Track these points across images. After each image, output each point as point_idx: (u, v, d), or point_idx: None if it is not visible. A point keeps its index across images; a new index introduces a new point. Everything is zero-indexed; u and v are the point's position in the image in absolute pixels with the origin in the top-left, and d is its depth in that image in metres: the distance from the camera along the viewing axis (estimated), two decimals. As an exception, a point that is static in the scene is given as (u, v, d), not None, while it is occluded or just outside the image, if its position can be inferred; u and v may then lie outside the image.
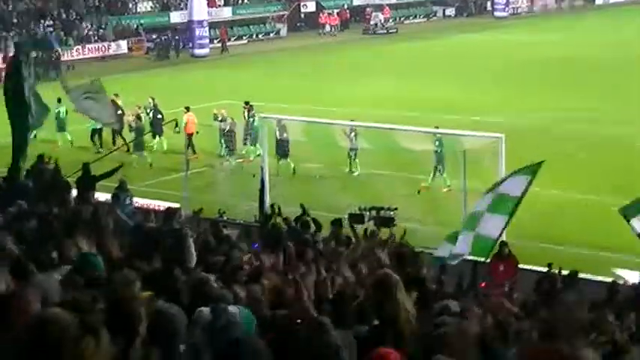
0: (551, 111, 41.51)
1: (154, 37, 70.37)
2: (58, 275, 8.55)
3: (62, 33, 66.60)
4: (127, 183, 25.52)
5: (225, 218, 24.71)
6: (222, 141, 35.59)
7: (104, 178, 25.81)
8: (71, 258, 10.80)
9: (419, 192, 28.80)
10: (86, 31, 68.35)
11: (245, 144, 36.00)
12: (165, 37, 70.33)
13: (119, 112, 36.41)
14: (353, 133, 32.02)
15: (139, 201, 28.56)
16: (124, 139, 35.83)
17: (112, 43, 68.49)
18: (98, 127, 36.46)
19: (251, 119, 36.18)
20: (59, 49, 61.99)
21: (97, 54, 67.14)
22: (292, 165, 33.09)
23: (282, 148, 33.05)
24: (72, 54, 64.89)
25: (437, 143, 30.09)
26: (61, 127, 38.97)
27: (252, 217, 25.62)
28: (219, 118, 35.99)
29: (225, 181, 32.77)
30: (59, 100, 37.72)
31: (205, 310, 7.53)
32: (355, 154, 32.89)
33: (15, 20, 66.68)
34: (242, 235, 21.28)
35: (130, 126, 36.63)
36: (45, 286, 7.27)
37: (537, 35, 71.13)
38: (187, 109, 36.76)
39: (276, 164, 32.00)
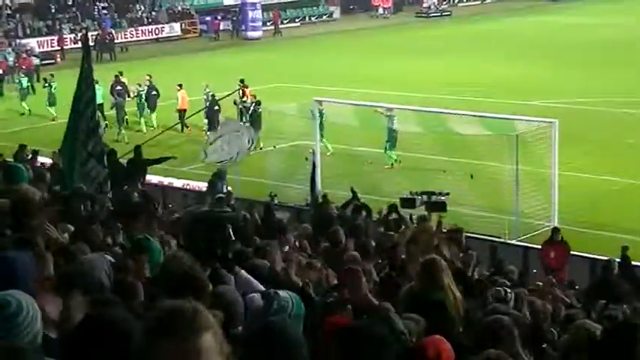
0: (609, 94, 40.93)
1: (207, 18, 70.49)
2: (108, 257, 8.53)
3: (116, 15, 67.03)
4: (226, 172, 25.43)
5: (276, 202, 24.69)
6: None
7: (155, 163, 25.99)
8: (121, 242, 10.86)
9: (472, 176, 28.51)
10: (140, 14, 68.71)
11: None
12: (221, 18, 70.66)
13: (118, 87, 39.38)
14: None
15: (190, 183, 28.83)
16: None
17: (166, 26, 68.73)
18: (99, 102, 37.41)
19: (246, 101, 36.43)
20: (113, 31, 62.29)
21: (151, 36, 67.45)
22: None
23: None
24: (125, 36, 65.25)
25: (388, 120, 31.26)
26: (51, 102, 41.40)
27: (304, 200, 25.61)
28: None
29: (274, 163, 32.64)
30: None
31: (257, 295, 7.47)
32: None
33: (70, 2, 67.23)
34: (293, 218, 21.34)
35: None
36: (92, 265, 7.25)
37: (597, 17, 69.93)
38: (180, 86, 38.53)
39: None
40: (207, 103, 36.81)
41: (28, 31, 62.35)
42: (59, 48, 60.31)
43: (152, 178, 27.23)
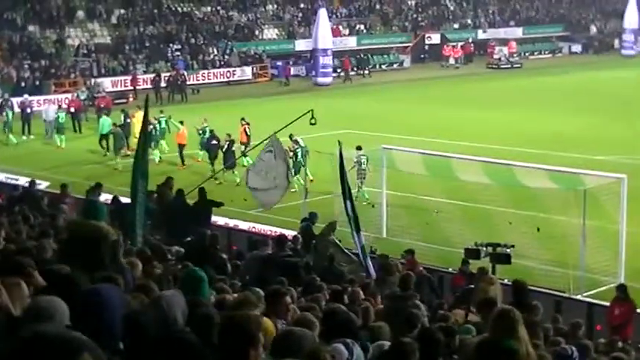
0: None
1: (278, 63, 71.12)
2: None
3: (189, 57, 67.94)
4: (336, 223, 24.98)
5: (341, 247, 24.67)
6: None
7: (217, 206, 26.14)
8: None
9: (538, 229, 28.31)
10: (212, 57, 69.58)
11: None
12: (292, 63, 71.49)
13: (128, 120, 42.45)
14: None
15: (256, 226, 28.90)
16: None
17: (237, 69, 69.54)
18: (104, 132, 41.84)
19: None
20: (185, 73, 63.13)
21: (222, 79, 68.23)
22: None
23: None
24: (197, 78, 66.08)
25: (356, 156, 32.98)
26: (60, 129, 44.83)
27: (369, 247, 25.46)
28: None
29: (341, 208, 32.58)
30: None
31: (339, 346, 7.49)
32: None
33: (144, 43, 68.30)
34: (357, 266, 21.39)
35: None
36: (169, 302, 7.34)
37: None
38: (181, 122, 40.85)
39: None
40: (206, 136, 38.90)
41: (102, 71, 63.45)
42: (132, 88, 61.23)
43: (218, 220, 27.42)
